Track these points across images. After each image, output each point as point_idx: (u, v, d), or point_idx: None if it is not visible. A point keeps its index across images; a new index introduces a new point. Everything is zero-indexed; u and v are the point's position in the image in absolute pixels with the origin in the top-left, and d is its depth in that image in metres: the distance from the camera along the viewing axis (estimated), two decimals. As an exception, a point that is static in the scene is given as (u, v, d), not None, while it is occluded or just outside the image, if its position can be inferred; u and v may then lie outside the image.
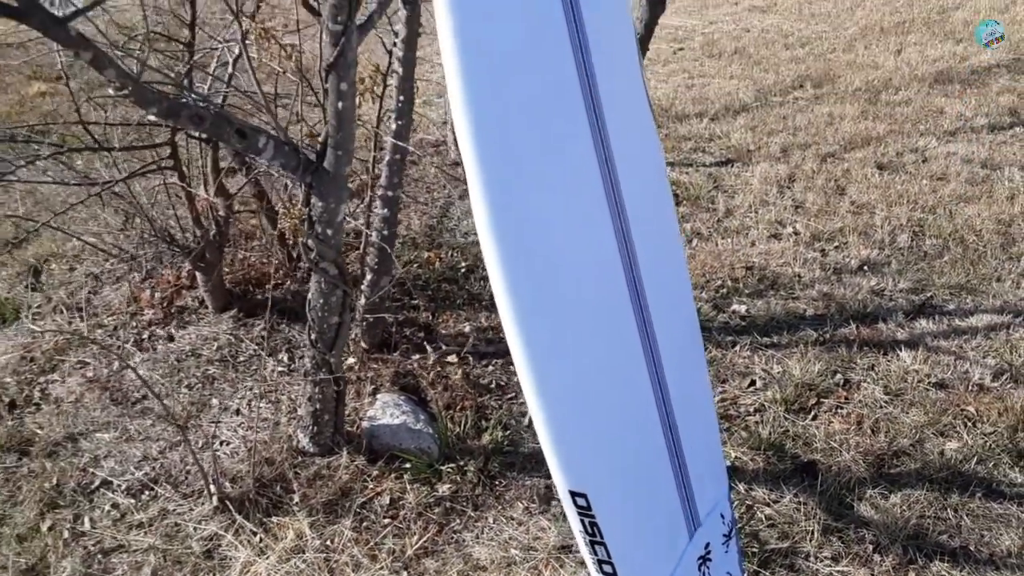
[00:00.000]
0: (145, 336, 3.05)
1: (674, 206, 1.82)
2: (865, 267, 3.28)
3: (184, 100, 1.93)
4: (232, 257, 3.31)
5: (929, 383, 2.67)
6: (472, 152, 1.36)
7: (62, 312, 3.23)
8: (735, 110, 5.00)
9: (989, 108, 4.68)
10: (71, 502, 2.41)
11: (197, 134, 2.49)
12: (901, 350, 2.80)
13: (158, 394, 2.35)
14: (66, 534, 2.30)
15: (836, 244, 3.45)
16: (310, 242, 2.13)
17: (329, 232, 2.11)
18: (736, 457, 2.45)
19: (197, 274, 3.04)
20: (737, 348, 2.87)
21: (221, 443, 2.57)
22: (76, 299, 3.30)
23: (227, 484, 2.38)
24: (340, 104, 1.93)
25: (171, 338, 3.02)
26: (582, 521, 1.52)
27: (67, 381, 2.88)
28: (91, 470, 2.51)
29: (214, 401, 2.75)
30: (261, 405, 2.71)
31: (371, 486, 2.40)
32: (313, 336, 2.29)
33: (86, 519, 2.35)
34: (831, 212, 3.68)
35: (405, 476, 2.43)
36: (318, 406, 2.42)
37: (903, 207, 3.67)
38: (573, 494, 1.48)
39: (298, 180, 2.07)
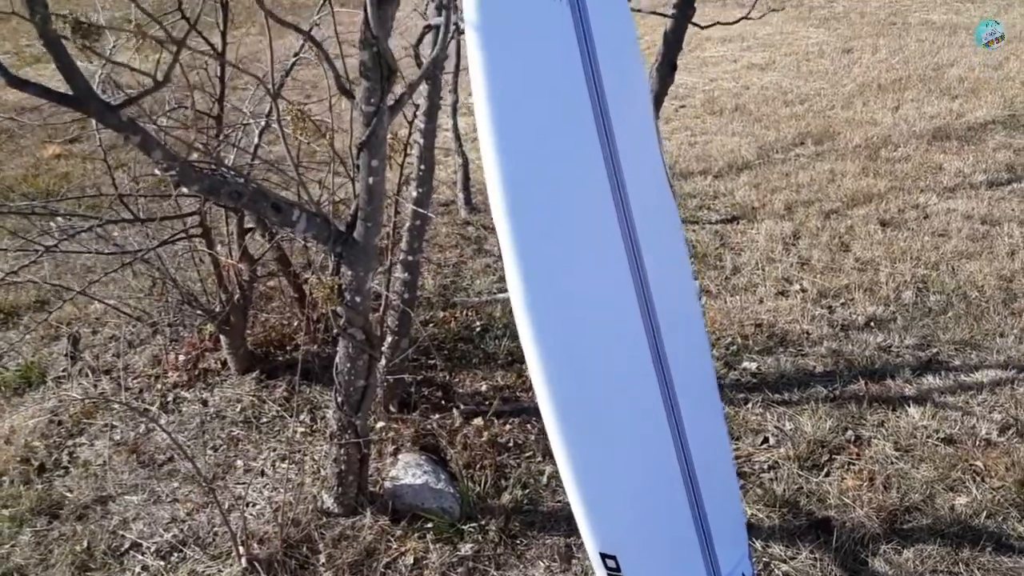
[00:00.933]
0: (170, 398, 3.12)
1: (691, 270, 1.91)
2: (872, 323, 3.36)
3: (224, 178, 2.02)
4: (254, 319, 3.39)
5: (938, 438, 2.73)
6: (506, 231, 1.46)
7: (87, 375, 3.30)
8: (738, 167, 5.11)
9: (987, 164, 4.80)
10: (102, 565, 2.46)
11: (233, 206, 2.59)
12: (909, 406, 2.87)
13: (189, 455, 2.41)
14: (97, 596, 2.36)
15: (843, 301, 3.54)
16: (339, 309, 2.21)
17: (358, 299, 2.20)
18: (752, 514, 2.51)
19: (221, 337, 3.12)
20: (749, 405, 2.94)
21: (247, 504, 2.63)
22: (101, 362, 3.38)
23: (255, 545, 2.43)
24: (371, 179, 2.03)
25: (200, 401, 3.09)
26: (612, 581, 1.58)
27: (95, 444, 2.94)
28: (121, 532, 2.57)
29: (239, 462, 2.81)
30: (285, 466, 2.77)
31: (395, 546, 2.45)
32: (340, 399, 2.37)
33: (117, 581, 2.41)
34: (836, 269, 3.77)
35: (428, 536, 2.48)
36: (343, 467, 2.49)
37: (907, 263, 3.76)
38: (604, 556, 1.55)
39: (329, 250, 2.16)
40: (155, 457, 2.87)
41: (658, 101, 2.71)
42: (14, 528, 2.61)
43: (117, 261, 2.79)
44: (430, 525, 2.51)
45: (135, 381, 3.24)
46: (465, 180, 4.62)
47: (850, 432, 2.79)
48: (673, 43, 2.65)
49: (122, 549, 2.52)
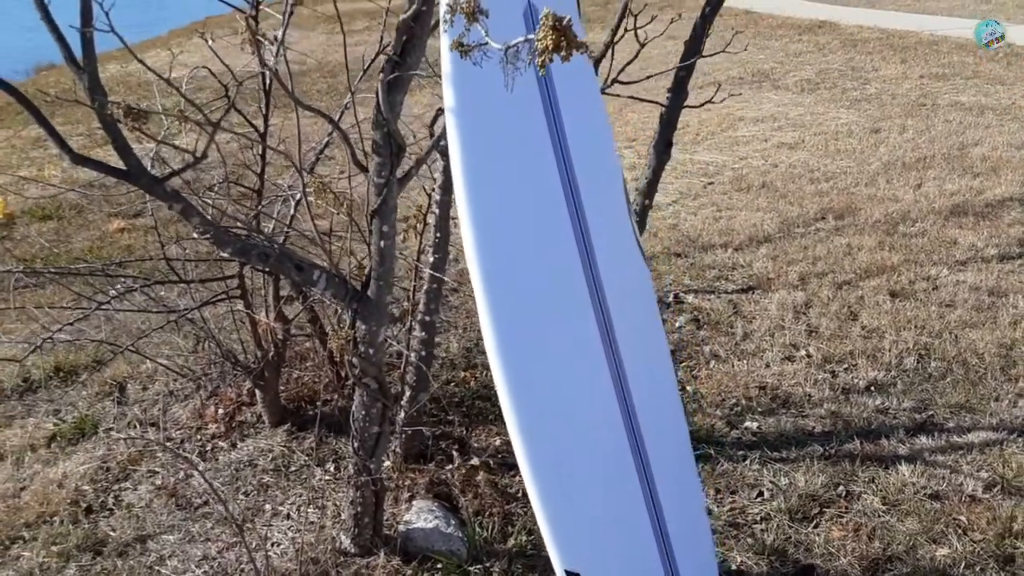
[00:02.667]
0: (208, 448, 3.38)
1: (665, 340, 2.11)
2: (872, 388, 3.51)
3: (254, 241, 2.30)
4: (288, 376, 3.65)
5: (925, 494, 2.86)
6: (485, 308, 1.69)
7: (135, 426, 3.58)
8: (759, 240, 5.31)
9: (1000, 239, 4.94)
10: (138, 595, 2.69)
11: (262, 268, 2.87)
12: (901, 464, 3.01)
13: (222, 499, 2.65)
14: (133, 623, 2.57)
15: (846, 366, 3.69)
16: (355, 360, 2.46)
17: (371, 351, 2.44)
18: (742, 561, 2.66)
19: (257, 392, 3.38)
20: (747, 462, 3.10)
21: (272, 544, 2.85)
22: (148, 415, 3.66)
23: (277, 580, 2.64)
24: (382, 243, 2.29)
25: (232, 448, 3.34)
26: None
27: (138, 488, 3.19)
28: (157, 568, 2.80)
29: (267, 506, 3.04)
30: (309, 510, 2.99)
31: (405, 583, 2.64)
32: (356, 444, 2.60)
33: (151, 610, 2.63)
34: (843, 336, 3.93)
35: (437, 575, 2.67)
36: (359, 509, 2.70)
37: (911, 332, 3.91)
38: (568, 573, 1.74)
39: (346, 307, 2.41)
40: (192, 501, 3.11)
41: (656, 176, 2.95)
42: (61, 563, 2.85)
43: (165, 321, 3.08)
44: (440, 566, 2.70)
45: (178, 432, 3.51)
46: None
47: (841, 487, 2.94)
48: (667, 124, 2.90)
49: (157, 583, 2.74)
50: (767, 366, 3.72)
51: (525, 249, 1.77)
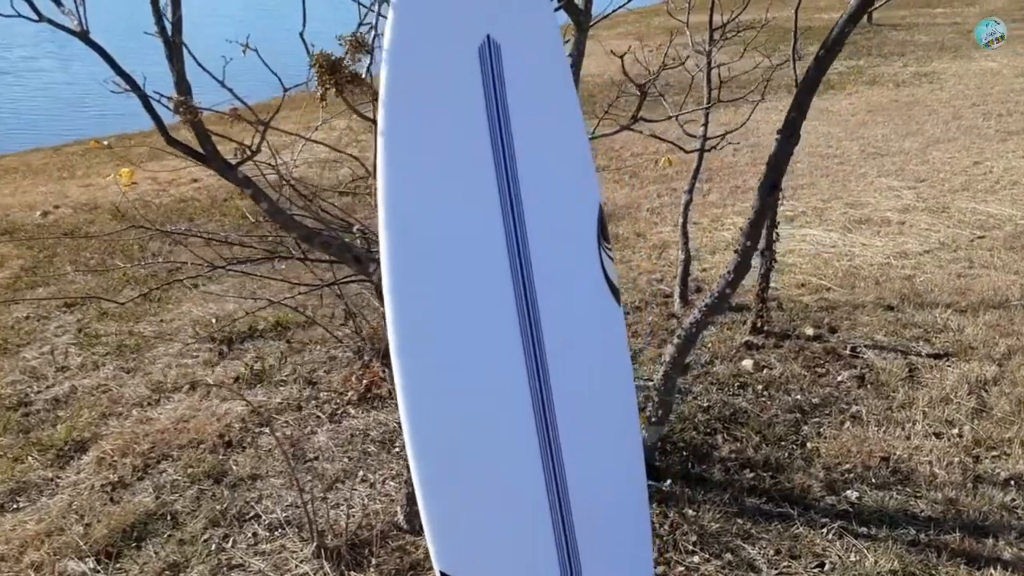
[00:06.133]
0: (340, 412, 3.76)
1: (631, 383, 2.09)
2: (1012, 482, 3.12)
3: (318, 231, 2.58)
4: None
5: (1003, 608, 2.54)
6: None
7: (297, 382, 4.06)
8: (991, 306, 4.79)
9: None
10: (228, 524, 3.09)
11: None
12: (995, 569, 2.68)
13: (289, 460, 2.99)
14: (213, 547, 2.98)
15: (996, 453, 3.30)
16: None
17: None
18: (765, 628, 2.54)
19: (386, 368, 3.70)
20: (824, 530, 2.91)
21: (348, 506, 3.14)
22: (313, 374, 4.13)
23: (330, 537, 2.92)
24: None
25: (358, 415, 3.70)
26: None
27: (270, 437, 3.64)
28: (252, 504, 3.19)
29: (360, 472, 3.34)
30: (391, 483, 3.25)
31: (437, 567, 2.82)
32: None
33: (233, 539, 3.02)
34: (1012, 422, 3.50)
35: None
36: (411, 489, 2.91)
37: (1103, 431, 3.40)
38: (442, 574, 1.84)
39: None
40: (306, 454, 3.49)
41: (758, 219, 2.84)
42: (188, 483, 3.35)
43: (309, 291, 3.48)
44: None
45: (325, 393, 3.93)
46: (684, 276, 4.85)
47: (912, 579, 2.68)
48: (775, 166, 2.78)
49: (247, 517, 3.14)
50: (907, 438, 3.42)
51: (448, 286, 1.83)
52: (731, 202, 7.36)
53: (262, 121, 2.25)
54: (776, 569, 2.77)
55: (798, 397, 3.76)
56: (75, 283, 5.95)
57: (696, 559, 2.83)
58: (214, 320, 4.90)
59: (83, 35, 2.24)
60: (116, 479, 3.39)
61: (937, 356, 4.15)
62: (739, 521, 2.98)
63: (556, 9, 2.74)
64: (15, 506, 3.29)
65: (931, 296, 4.97)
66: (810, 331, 4.41)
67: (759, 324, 4.41)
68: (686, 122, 4.32)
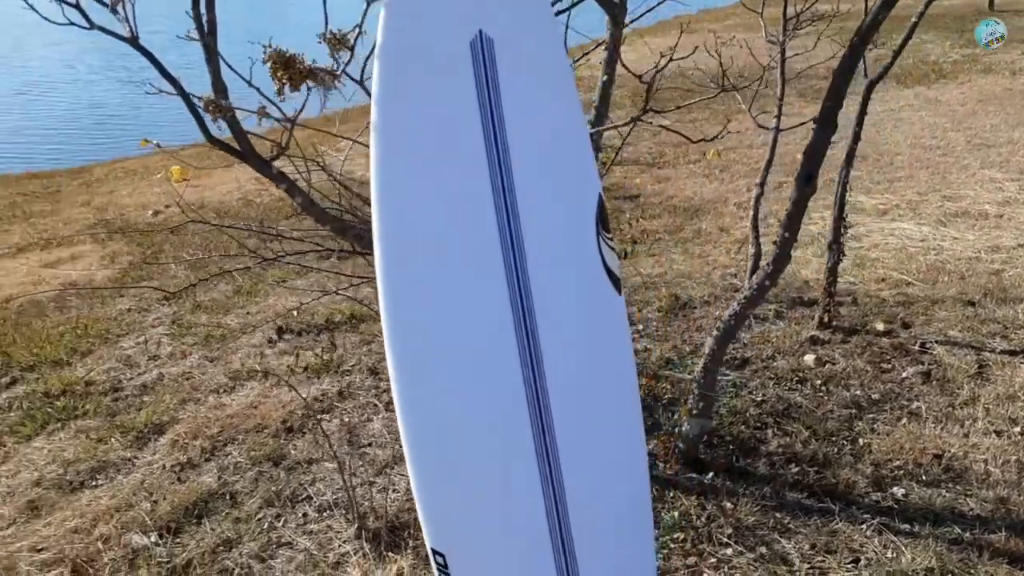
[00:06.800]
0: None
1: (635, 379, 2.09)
2: (1073, 483, 2.99)
3: (350, 224, 2.69)
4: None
5: (1043, 611, 2.45)
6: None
7: (361, 372, 4.20)
8: (1085, 302, 4.57)
9: None
10: (281, 504, 3.25)
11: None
12: (1039, 572, 2.59)
13: (333, 448, 3.11)
14: (265, 525, 3.13)
15: (1061, 453, 3.16)
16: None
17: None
18: (790, 621, 2.52)
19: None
20: (864, 526, 2.85)
21: (393, 490, 3.25)
22: (376, 364, 4.27)
23: (371, 519, 3.03)
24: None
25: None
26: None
27: (331, 422, 3.78)
28: (305, 487, 3.34)
29: (409, 459, 3.44)
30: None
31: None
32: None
33: (284, 518, 3.17)
34: (1088, 421, 3.34)
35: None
36: (449, 475, 2.99)
37: None
38: (434, 551, 1.90)
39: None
40: (362, 439, 3.62)
41: (796, 210, 2.80)
42: (249, 465, 3.52)
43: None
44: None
45: (384, 383, 4.05)
46: (754, 270, 4.77)
47: (950, 578, 2.61)
48: (812, 156, 2.74)
49: (299, 498, 3.29)
50: (965, 436, 3.30)
51: (440, 275, 1.88)
52: (821, 195, 7.16)
53: (289, 119, 2.36)
54: (809, 564, 2.73)
55: (857, 393, 3.68)
56: (176, 277, 6.28)
57: (729, 551, 2.81)
58: (295, 313, 5.11)
59: (133, 40, 2.41)
60: (185, 460, 3.59)
61: (1012, 353, 3.98)
62: (778, 515, 2.95)
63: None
64: (94, 483, 3.53)
65: (1017, 291, 4.75)
66: (881, 326, 4.29)
67: (826, 319, 4.32)
68: (759, 113, 4.27)
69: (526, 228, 1.91)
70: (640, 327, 4.51)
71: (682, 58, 2.74)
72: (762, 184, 4.79)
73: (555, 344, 1.92)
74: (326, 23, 2.31)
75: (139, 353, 4.91)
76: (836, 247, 4.20)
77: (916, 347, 4.05)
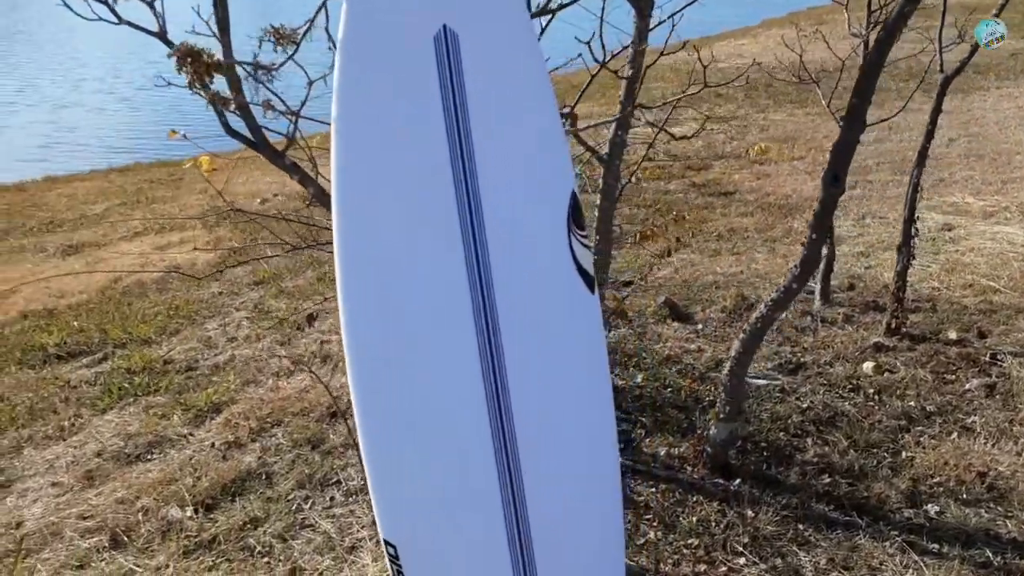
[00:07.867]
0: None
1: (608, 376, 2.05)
2: None
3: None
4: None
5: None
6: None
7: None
8: None
9: None
10: (312, 487, 3.34)
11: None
12: (1070, 604, 2.41)
13: (354, 435, 3.17)
14: (293, 506, 3.23)
15: (1121, 478, 2.93)
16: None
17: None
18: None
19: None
20: (888, 543, 2.72)
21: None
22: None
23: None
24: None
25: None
26: (392, 568, 1.94)
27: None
28: (337, 471, 3.42)
29: (440, 449, 3.48)
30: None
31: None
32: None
33: (312, 501, 3.26)
34: None
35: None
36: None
37: None
38: (386, 542, 1.93)
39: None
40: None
41: (824, 210, 2.67)
42: (291, 446, 3.63)
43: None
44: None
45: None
46: (827, 272, 4.60)
47: (968, 605, 2.46)
48: (839, 155, 2.61)
49: (330, 482, 3.37)
50: (1018, 454, 3.10)
51: (399, 269, 1.88)
52: (928, 195, 6.83)
53: (292, 111, 2.42)
54: (822, 579, 2.63)
55: (911, 404, 3.49)
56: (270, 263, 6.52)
57: (742, 560, 2.73)
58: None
59: (162, 35, 2.51)
60: (233, 439, 3.73)
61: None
62: (800, 526, 2.84)
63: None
64: (149, 457, 3.71)
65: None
66: (953, 335, 4.06)
67: (894, 325, 4.11)
68: (838, 110, 4.11)
69: (490, 225, 1.89)
70: (699, 327, 4.41)
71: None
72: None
73: (518, 339, 1.90)
74: (328, 18, 2.36)
75: (219, 335, 5.12)
76: (905, 250, 4.00)
77: (986, 358, 3.81)
